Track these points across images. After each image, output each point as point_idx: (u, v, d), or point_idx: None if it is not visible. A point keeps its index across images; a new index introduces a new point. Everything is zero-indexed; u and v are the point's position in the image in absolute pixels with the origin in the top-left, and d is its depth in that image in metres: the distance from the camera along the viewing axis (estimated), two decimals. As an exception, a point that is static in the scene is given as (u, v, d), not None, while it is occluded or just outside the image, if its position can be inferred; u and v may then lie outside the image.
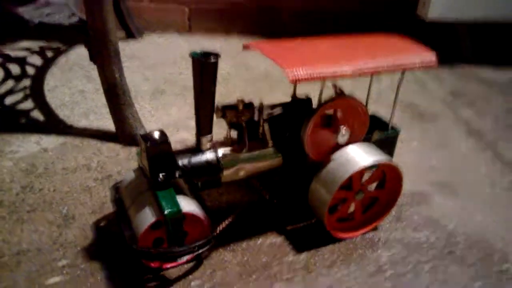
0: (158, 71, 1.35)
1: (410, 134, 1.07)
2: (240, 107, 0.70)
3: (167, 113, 1.09)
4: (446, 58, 1.61)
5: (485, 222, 0.79)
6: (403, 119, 1.15)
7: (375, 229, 0.75)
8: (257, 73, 1.39)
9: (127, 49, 1.51)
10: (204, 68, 0.61)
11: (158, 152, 0.61)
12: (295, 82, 0.60)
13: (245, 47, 0.70)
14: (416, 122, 1.14)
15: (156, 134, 0.62)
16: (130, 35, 1.59)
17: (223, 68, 1.40)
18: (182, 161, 0.65)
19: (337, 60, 0.63)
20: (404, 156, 0.97)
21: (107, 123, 1.00)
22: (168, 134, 0.98)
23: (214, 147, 0.67)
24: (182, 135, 0.99)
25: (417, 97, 1.30)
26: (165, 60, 1.44)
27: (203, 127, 0.65)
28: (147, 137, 0.61)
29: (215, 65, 0.62)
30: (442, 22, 1.52)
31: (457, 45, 1.64)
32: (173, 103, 1.14)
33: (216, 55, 0.62)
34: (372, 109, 1.18)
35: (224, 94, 1.20)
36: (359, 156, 0.68)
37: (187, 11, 1.72)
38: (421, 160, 0.97)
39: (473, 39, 1.64)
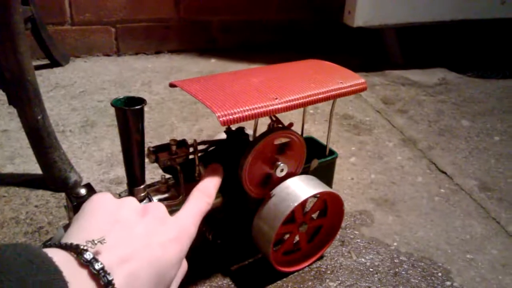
0: (86, 100, 1.29)
1: (348, 149, 1.08)
2: (173, 148, 0.67)
3: (99, 148, 1.04)
4: (376, 64, 1.66)
5: (426, 237, 0.81)
6: (340, 132, 1.16)
7: (321, 257, 0.75)
8: (191, 93, 1.35)
9: (51, 77, 1.43)
10: (130, 116, 0.58)
11: (87, 210, 0.57)
12: (227, 125, 0.58)
13: (172, 86, 0.67)
14: (353, 135, 1.15)
15: (83, 191, 0.58)
16: (55, 63, 1.51)
17: (156, 92, 1.37)
18: (116, 215, 0.61)
19: (267, 95, 0.62)
20: (344, 173, 0.98)
21: (34, 167, 0.94)
22: (101, 172, 0.94)
23: (148, 195, 0.64)
24: (117, 172, 0.95)
25: (351, 108, 1.32)
26: (93, 86, 1.38)
27: (135, 177, 0.61)
28: (73, 195, 0.57)
29: (140, 112, 0.59)
30: (369, 28, 1.56)
31: (385, 50, 1.69)
32: (105, 136, 1.09)
33: (142, 100, 0.58)
34: (309, 125, 1.19)
35: (159, 121, 1.17)
36: (299, 189, 0.68)
37: (113, 31, 1.66)
38: (360, 176, 0.98)
39: (400, 42, 1.70)
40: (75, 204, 0.56)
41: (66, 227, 0.64)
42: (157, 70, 1.56)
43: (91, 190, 0.58)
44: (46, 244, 0.54)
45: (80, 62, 1.59)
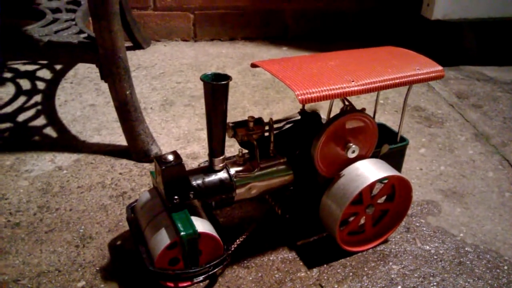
0: (165, 80, 1.37)
1: (418, 140, 1.08)
2: (251, 124, 0.71)
3: (177, 125, 1.11)
4: (451, 58, 1.62)
5: (494, 230, 0.80)
6: (410, 124, 1.16)
7: (385, 241, 0.77)
8: (263, 78, 1.40)
9: (133, 58, 1.52)
10: (216, 91, 0.63)
11: (172, 175, 0.63)
12: (305, 103, 0.61)
13: (253, 66, 0.71)
14: (423, 127, 1.15)
15: (171, 157, 0.63)
16: (137, 45, 1.60)
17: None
18: (196, 182, 0.66)
19: (344, 78, 0.64)
20: (413, 164, 0.98)
21: (119, 138, 1.02)
22: (178, 147, 1.01)
23: (226, 167, 0.69)
24: (193, 148, 1.01)
25: (423, 100, 1.30)
26: (172, 69, 1.46)
27: (216, 148, 0.66)
28: (162, 160, 0.63)
29: (226, 87, 0.63)
30: (447, 21, 1.53)
31: (462, 44, 1.64)
32: (182, 115, 1.16)
33: (227, 77, 0.63)
34: (379, 114, 1.19)
35: (232, 104, 1.22)
36: (368, 171, 0.70)
37: (191, 17, 1.73)
38: (429, 167, 0.98)
39: (478, 38, 1.64)
40: (164, 168, 0.61)
41: (150, 192, 0.70)
42: (230, 55, 1.62)
43: (177, 157, 0.63)
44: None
45: (160, 46, 1.67)
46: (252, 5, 1.76)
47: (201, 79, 0.62)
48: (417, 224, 0.81)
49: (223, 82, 0.61)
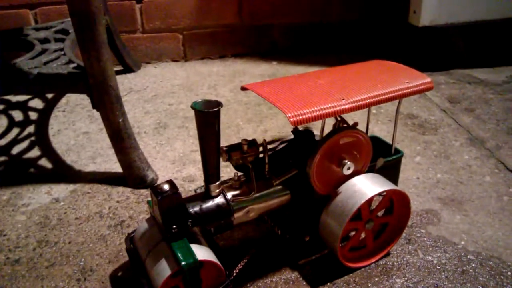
0: (158, 103, 1.37)
1: (413, 149, 1.08)
2: (245, 148, 0.71)
3: (171, 148, 1.11)
4: (441, 63, 1.63)
5: (495, 236, 0.80)
6: (404, 132, 1.16)
7: (387, 254, 0.76)
8: (255, 95, 1.39)
9: (124, 82, 1.53)
10: (207, 118, 0.63)
11: (169, 204, 0.62)
12: (297, 125, 0.61)
13: (243, 89, 0.72)
14: (417, 135, 1.15)
15: (166, 186, 0.63)
16: (128, 69, 1.61)
17: (222, 94, 1.42)
18: (193, 209, 0.66)
19: (334, 96, 0.65)
20: (409, 173, 0.98)
21: (114, 166, 1.02)
22: (174, 171, 1.01)
23: (223, 191, 0.68)
24: (189, 170, 1.01)
25: (416, 107, 1.31)
26: (164, 91, 1.46)
27: (211, 174, 0.66)
28: (158, 190, 0.63)
29: (217, 114, 0.63)
30: (434, 27, 1.54)
31: (451, 49, 1.66)
32: (176, 137, 1.16)
33: (218, 103, 0.63)
34: (373, 125, 1.20)
35: (225, 122, 1.22)
36: (365, 187, 0.70)
37: (180, 37, 1.74)
38: (426, 175, 0.98)
39: (466, 41, 1.66)
40: (160, 199, 0.61)
41: (148, 221, 0.70)
42: (221, 73, 1.62)
43: (173, 186, 0.63)
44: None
45: (150, 68, 1.68)
46: (240, 21, 1.77)
47: (192, 107, 0.62)
48: (418, 234, 0.81)
49: (214, 110, 0.61)
